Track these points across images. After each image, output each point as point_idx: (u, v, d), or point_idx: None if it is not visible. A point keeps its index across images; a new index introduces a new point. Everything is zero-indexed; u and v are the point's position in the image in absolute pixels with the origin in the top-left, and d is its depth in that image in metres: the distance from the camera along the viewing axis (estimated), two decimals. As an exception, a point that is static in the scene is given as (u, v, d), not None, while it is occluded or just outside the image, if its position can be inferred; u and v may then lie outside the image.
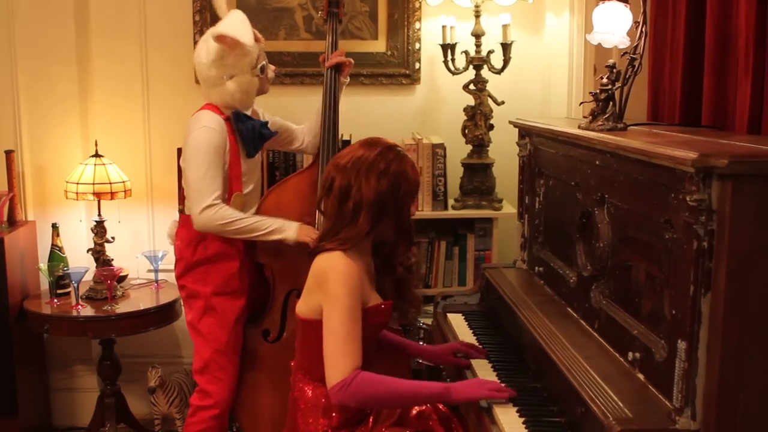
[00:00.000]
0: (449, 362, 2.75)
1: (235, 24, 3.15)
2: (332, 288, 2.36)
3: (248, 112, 3.27)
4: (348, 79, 3.47)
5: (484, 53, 3.86)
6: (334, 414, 2.48)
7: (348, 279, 2.36)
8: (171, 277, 3.84)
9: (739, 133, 2.29)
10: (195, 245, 3.23)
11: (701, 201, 1.75)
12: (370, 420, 2.51)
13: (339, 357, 2.32)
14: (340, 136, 3.64)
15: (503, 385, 2.39)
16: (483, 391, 2.34)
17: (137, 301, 3.86)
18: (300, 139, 3.52)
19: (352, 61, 3.45)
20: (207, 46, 3.15)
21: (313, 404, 2.50)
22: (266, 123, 3.34)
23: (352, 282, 2.37)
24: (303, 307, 2.51)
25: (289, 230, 3.13)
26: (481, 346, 2.77)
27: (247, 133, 3.21)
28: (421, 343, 3.53)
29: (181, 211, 3.33)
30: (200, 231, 3.15)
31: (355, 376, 2.30)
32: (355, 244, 2.44)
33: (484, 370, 2.56)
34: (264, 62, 3.24)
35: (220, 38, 3.09)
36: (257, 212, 3.30)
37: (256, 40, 3.21)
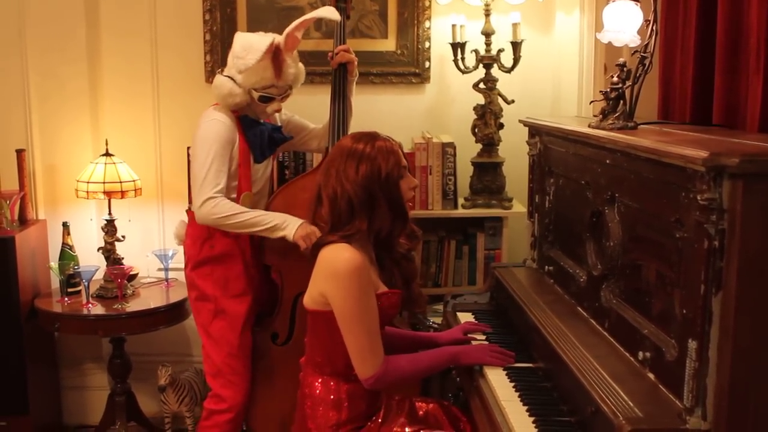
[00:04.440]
0: (461, 341, 2.81)
1: (261, 41, 3.11)
2: (343, 282, 2.37)
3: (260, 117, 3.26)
4: (356, 77, 3.45)
5: (494, 52, 3.85)
6: (343, 408, 2.50)
7: (357, 270, 2.38)
8: (181, 276, 3.85)
9: (751, 132, 2.28)
10: (201, 243, 3.23)
11: (712, 200, 1.74)
12: (380, 417, 2.52)
13: (367, 353, 2.41)
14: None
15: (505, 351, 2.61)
16: (486, 357, 2.57)
17: (147, 299, 3.87)
18: (317, 140, 3.49)
19: (355, 59, 3.41)
20: (254, 38, 3.14)
21: (322, 399, 2.52)
22: (279, 128, 3.33)
23: (362, 272, 2.39)
24: (309, 299, 2.52)
25: (289, 228, 3.06)
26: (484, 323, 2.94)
27: (254, 138, 3.20)
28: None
29: (190, 209, 3.33)
30: (201, 223, 3.14)
31: (386, 368, 2.42)
32: (358, 239, 2.46)
33: (494, 370, 2.56)
34: (273, 97, 3.17)
35: (285, 40, 3.08)
36: None
37: (279, 76, 3.14)
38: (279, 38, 3.11)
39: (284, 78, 3.16)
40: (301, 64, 3.29)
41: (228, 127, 3.14)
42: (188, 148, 3.46)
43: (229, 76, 3.14)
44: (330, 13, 3.26)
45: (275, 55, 3.11)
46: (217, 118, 3.14)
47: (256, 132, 3.21)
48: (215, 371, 3.28)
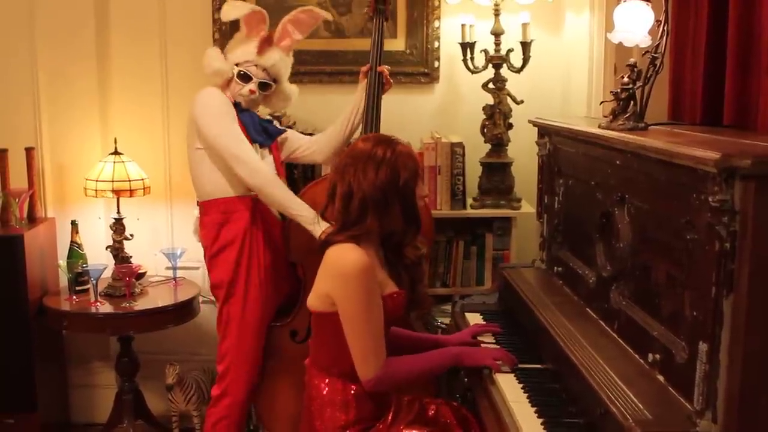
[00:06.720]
0: (469, 344, 2.79)
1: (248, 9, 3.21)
2: (350, 282, 2.37)
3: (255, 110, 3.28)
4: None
5: (503, 52, 3.84)
6: (351, 409, 2.50)
7: (364, 271, 2.38)
8: (189, 275, 3.87)
9: (762, 133, 2.26)
10: (218, 228, 3.22)
11: (724, 202, 1.73)
12: (389, 418, 2.51)
13: (369, 355, 2.41)
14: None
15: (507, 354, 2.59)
16: (488, 360, 2.56)
17: (155, 298, 3.87)
18: (324, 154, 3.46)
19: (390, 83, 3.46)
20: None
21: (329, 400, 2.52)
22: (270, 120, 3.35)
23: (368, 274, 2.38)
24: (314, 300, 2.51)
25: (319, 227, 2.98)
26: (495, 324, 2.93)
27: (247, 121, 3.22)
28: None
29: (200, 202, 3.31)
30: (250, 181, 3.13)
31: (386, 370, 2.42)
32: (366, 239, 2.45)
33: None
34: (251, 77, 3.20)
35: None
36: None
37: (261, 53, 3.20)
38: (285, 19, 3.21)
39: (265, 58, 3.20)
40: (293, 87, 3.36)
41: (226, 100, 3.19)
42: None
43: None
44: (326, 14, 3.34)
45: (266, 39, 3.19)
46: (215, 91, 3.20)
47: (246, 116, 3.23)
48: (222, 354, 3.28)
